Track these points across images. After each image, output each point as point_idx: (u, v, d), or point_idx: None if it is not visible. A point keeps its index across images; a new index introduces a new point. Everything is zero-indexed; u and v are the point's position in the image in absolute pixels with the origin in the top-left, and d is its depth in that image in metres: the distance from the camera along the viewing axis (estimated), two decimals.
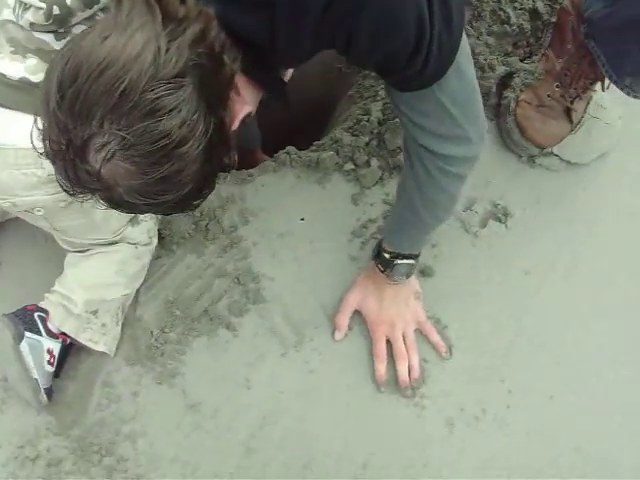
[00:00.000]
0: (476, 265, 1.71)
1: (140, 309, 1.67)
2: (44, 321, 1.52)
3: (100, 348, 1.57)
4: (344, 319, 1.64)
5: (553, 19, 1.81)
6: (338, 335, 1.64)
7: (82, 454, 1.53)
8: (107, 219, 1.53)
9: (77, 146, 0.91)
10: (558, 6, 1.81)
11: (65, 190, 1.01)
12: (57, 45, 1.30)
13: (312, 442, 1.56)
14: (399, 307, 1.61)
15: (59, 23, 1.26)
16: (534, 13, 1.85)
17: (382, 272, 1.56)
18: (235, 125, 1.09)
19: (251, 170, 1.82)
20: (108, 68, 0.88)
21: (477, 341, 1.64)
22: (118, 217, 1.56)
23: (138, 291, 1.67)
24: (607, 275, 1.71)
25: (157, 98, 0.89)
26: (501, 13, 1.84)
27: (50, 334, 1.51)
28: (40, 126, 0.97)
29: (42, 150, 0.98)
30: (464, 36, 1.13)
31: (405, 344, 1.60)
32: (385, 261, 1.54)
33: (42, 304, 1.55)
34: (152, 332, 1.64)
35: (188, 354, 1.63)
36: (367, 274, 1.64)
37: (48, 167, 1.31)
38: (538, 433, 1.57)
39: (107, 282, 1.58)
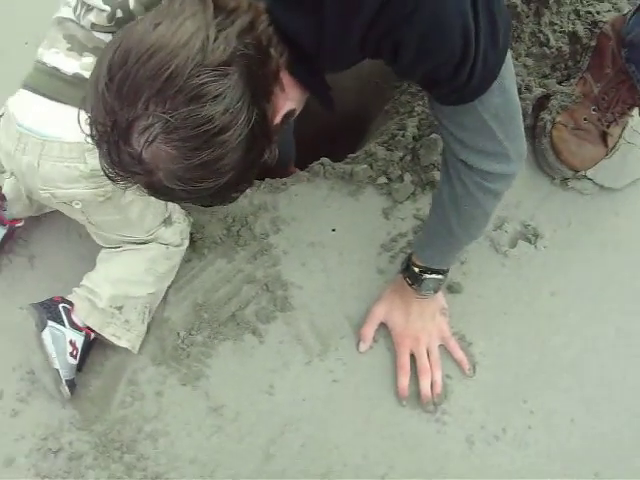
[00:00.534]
0: (504, 284, 1.71)
1: (168, 310, 1.68)
2: (68, 312, 1.54)
3: (122, 344, 1.59)
4: (370, 331, 1.64)
5: (592, 43, 1.81)
6: (363, 346, 1.64)
7: (103, 450, 1.55)
8: (142, 218, 1.56)
9: (122, 128, 0.94)
10: (598, 30, 1.81)
11: (108, 176, 1.04)
12: None
13: (332, 451, 1.56)
14: (425, 322, 1.61)
15: (120, 25, 1.29)
16: (573, 36, 1.85)
17: (410, 286, 1.56)
18: (277, 119, 1.10)
19: (285, 179, 1.83)
20: (157, 53, 0.91)
21: (501, 360, 1.64)
22: (152, 217, 1.59)
23: (167, 292, 1.69)
24: (636, 301, 1.70)
25: (202, 84, 0.91)
26: (540, 35, 1.84)
27: (73, 326, 1.53)
28: (88, 109, 1.00)
29: (88, 133, 1.01)
30: (509, 54, 1.14)
31: (429, 359, 1.60)
32: (414, 275, 1.54)
33: (69, 297, 1.58)
34: (179, 333, 1.65)
35: (213, 357, 1.64)
36: (394, 288, 1.65)
37: (91, 162, 1.36)
38: (558, 456, 1.56)
39: (134, 279, 1.60)
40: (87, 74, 1.35)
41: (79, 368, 1.57)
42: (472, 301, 1.70)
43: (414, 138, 1.82)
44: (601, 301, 1.70)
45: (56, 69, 1.38)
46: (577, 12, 1.86)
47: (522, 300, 1.70)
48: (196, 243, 1.74)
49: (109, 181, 1.41)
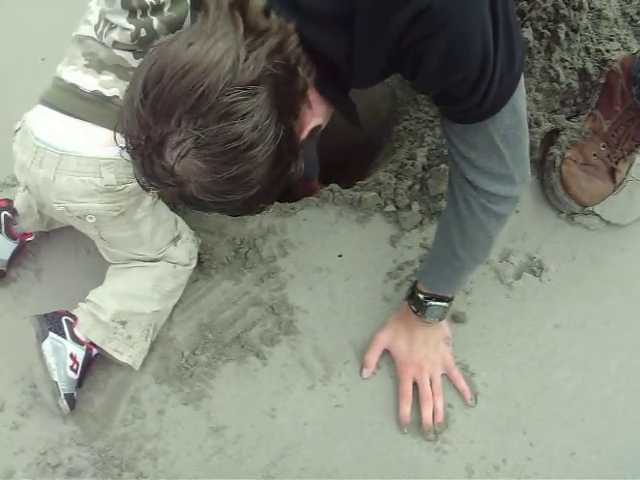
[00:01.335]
0: (508, 315, 1.72)
1: (174, 329, 1.69)
2: (71, 325, 1.54)
3: (124, 359, 1.59)
4: (373, 357, 1.65)
5: (601, 80, 1.84)
6: (366, 373, 1.64)
7: (103, 466, 1.54)
8: (153, 235, 1.58)
9: (155, 142, 0.98)
10: (607, 68, 1.84)
11: (141, 185, 1.08)
12: (135, 63, 1.35)
13: (331, 476, 1.56)
14: (429, 351, 1.62)
15: (142, 44, 1.31)
16: (583, 73, 1.87)
17: (415, 313, 1.57)
18: (304, 135, 1.13)
19: (294, 203, 1.85)
20: (190, 71, 0.95)
21: (503, 391, 1.64)
22: (163, 235, 1.61)
23: (173, 311, 1.70)
24: (638, 336, 1.70)
25: (232, 102, 0.95)
26: (551, 71, 1.86)
27: (75, 339, 1.54)
28: (123, 122, 1.03)
29: (122, 145, 1.05)
30: (522, 78, 1.17)
31: (431, 388, 1.60)
32: (419, 302, 1.56)
33: (74, 311, 1.59)
34: (183, 353, 1.66)
35: (217, 378, 1.64)
36: (400, 315, 1.65)
37: (106, 177, 1.37)
38: None
39: (141, 295, 1.61)
40: (107, 92, 1.36)
41: (79, 384, 1.56)
42: (476, 331, 1.70)
43: (423, 168, 1.84)
44: (604, 336, 1.70)
45: (75, 86, 1.39)
46: (587, 50, 1.89)
47: (525, 332, 1.70)
48: (203, 264, 1.75)
49: (123, 196, 1.44)
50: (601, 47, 1.89)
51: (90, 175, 1.39)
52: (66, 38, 1.48)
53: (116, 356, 1.58)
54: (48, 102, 1.42)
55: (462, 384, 1.63)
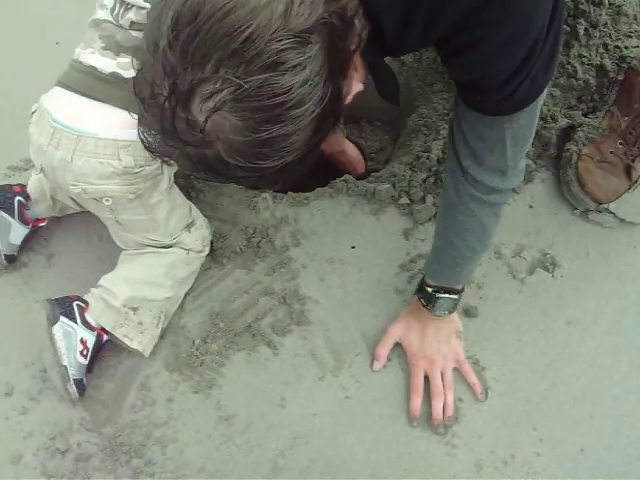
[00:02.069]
0: (520, 311, 1.72)
1: (185, 317, 1.69)
2: (82, 310, 1.55)
3: (134, 345, 1.59)
4: (384, 350, 1.64)
5: (619, 77, 1.83)
6: (377, 365, 1.64)
7: (111, 453, 1.55)
8: (167, 220, 1.58)
9: (183, 91, 0.83)
10: (625, 65, 1.83)
11: (147, 147, 0.95)
12: None
13: (339, 468, 1.56)
14: (440, 344, 1.62)
15: None
16: (601, 70, 1.86)
17: (425, 307, 1.57)
18: (348, 99, 1.01)
19: (308, 193, 1.85)
20: (235, 10, 0.80)
21: (513, 386, 1.64)
22: (177, 220, 1.61)
23: (184, 299, 1.70)
24: None
25: (283, 50, 0.81)
26: (569, 67, 1.85)
27: (86, 324, 1.54)
28: (140, 67, 0.89)
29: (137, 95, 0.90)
30: (548, 85, 1.16)
31: (442, 381, 1.60)
32: (427, 295, 1.55)
33: (85, 296, 1.59)
34: (194, 341, 1.66)
35: (227, 367, 1.64)
36: (411, 309, 1.65)
37: (124, 159, 1.37)
38: None
39: (153, 281, 1.61)
40: (125, 73, 1.37)
41: (89, 370, 1.57)
42: (487, 326, 1.70)
43: (438, 161, 1.83)
44: (615, 333, 1.69)
45: (93, 68, 1.39)
46: (605, 46, 1.87)
47: (537, 328, 1.70)
48: (216, 252, 1.75)
49: (141, 179, 1.43)
50: (619, 44, 1.88)
51: (108, 157, 1.39)
52: (80, 23, 1.48)
53: (126, 342, 1.58)
54: (66, 84, 1.42)
55: (473, 378, 1.62)
